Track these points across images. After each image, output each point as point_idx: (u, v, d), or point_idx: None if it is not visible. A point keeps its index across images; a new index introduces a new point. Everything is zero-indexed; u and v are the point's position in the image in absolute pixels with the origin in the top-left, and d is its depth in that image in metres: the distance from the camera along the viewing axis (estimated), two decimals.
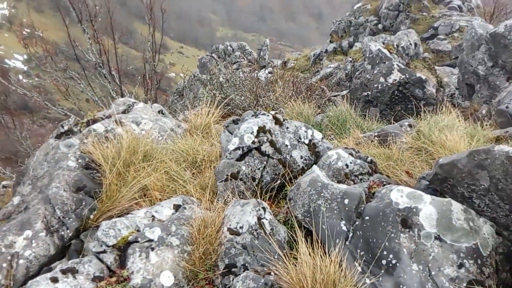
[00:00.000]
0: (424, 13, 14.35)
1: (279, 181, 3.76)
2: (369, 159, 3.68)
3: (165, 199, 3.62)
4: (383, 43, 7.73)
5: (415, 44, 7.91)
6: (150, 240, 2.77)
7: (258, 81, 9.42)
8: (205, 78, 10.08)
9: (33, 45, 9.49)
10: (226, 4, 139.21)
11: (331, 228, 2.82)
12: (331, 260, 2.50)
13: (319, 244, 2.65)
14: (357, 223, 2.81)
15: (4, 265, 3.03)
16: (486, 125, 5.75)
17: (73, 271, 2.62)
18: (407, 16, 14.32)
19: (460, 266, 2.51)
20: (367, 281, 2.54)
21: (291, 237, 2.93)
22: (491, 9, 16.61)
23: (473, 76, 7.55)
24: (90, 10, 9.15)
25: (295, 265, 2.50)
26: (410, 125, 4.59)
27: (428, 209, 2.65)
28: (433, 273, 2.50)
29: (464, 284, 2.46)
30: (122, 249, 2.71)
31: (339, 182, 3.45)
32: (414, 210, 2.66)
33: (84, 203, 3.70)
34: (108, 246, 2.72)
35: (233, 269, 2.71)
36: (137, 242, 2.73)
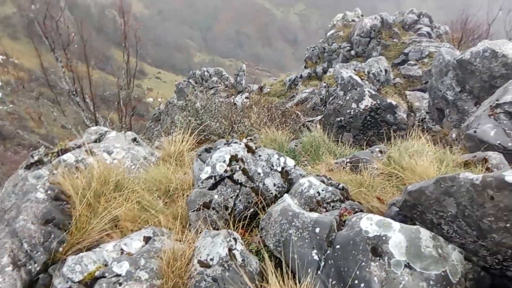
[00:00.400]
0: (394, 40, 14.76)
1: (252, 209, 3.74)
2: (340, 186, 3.70)
3: (137, 230, 3.56)
4: (355, 70, 7.90)
5: (385, 71, 8.10)
6: (118, 275, 2.70)
7: (233, 107, 9.48)
8: (181, 104, 10.09)
9: (5, 73, 9.39)
10: (202, 30, 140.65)
11: (302, 257, 2.81)
12: None
13: (290, 274, 2.63)
14: (328, 252, 2.80)
15: None
16: (456, 149, 5.88)
17: None
18: (379, 43, 14.71)
19: None
20: None
21: (262, 268, 2.90)
22: (459, 35, 17.21)
23: (443, 101, 7.75)
24: (63, 38, 9.12)
25: None
26: (380, 151, 4.66)
27: (397, 237, 2.67)
28: None
29: None
30: (89, 285, 2.64)
31: (311, 210, 3.45)
32: (384, 238, 2.67)
33: (52, 235, 3.60)
34: (74, 282, 2.65)
35: None
36: (104, 277, 2.67)
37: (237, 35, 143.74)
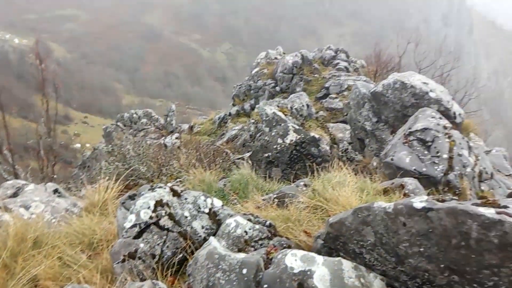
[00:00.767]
0: (315, 75, 15.47)
1: (181, 255, 3.67)
2: (268, 223, 3.74)
3: None
4: (278, 106, 8.16)
5: (307, 105, 8.44)
6: None
7: (163, 148, 9.36)
8: (107, 149, 9.83)
9: None
10: (129, 72, 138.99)
11: None
12: None
13: None
14: None
15: None
16: (378, 176, 6.17)
17: None
18: (301, 78, 15.32)
19: None
20: None
21: None
22: (374, 68, 18.37)
23: (362, 131, 8.17)
24: None
25: None
26: (305, 185, 4.79)
27: (321, 270, 2.72)
28: None
29: None
30: None
31: (239, 250, 3.45)
32: (308, 273, 2.72)
33: None
34: None
35: None
36: None
37: (166, 75, 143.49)
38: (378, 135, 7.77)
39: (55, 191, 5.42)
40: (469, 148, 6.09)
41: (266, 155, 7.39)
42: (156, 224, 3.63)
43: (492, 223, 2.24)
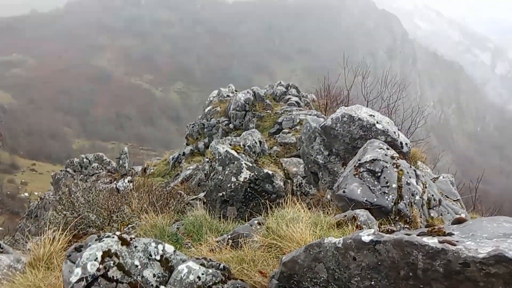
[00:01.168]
0: (268, 111, 15.69)
1: None
2: (221, 266, 3.66)
3: None
4: (230, 144, 8.17)
5: (260, 142, 8.50)
6: None
7: (114, 194, 9.10)
8: (54, 198, 9.43)
9: None
10: (79, 115, 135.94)
11: None
12: None
13: None
14: None
15: None
16: (332, 209, 6.22)
17: None
18: (254, 115, 15.49)
19: None
20: None
21: None
22: (325, 102, 18.84)
23: (315, 165, 8.28)
24: None
25: None
26: (259, 223, 4.75)
27: None
28: None
29: None
30: None
31: None
32: None
33: None
34: None
35: None
36: None
37: (117, 117, 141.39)
38: (330, 168, 7.89)
39: None
40: (417, 176, 6.28)
41: (221, 194, 7.33)
42: (104, 276, 3.47)
43: (436, 252, 2.28)
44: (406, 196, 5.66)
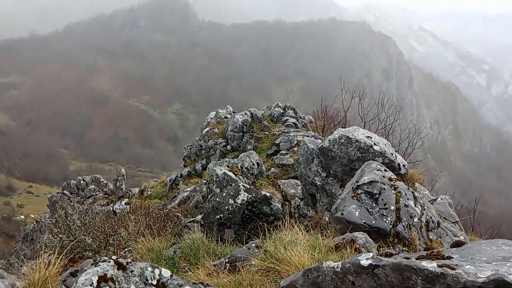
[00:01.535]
0: (265, 132, 15.72)
1: None
2: None
3: None
4: (228, 166, 8.16)
5: (257, 164, 8.50)
6: None
7: (110, 216, 9.04)
8: (50, 221, 9.36)
9: None
10: (76, 137, 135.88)
11: None
12: None
13: None
14: None
15: None
16: (330, 232, 6.18)
17: None
18: (251, 136, 15.51)
19: None
20: None
21: None
22: (322, 123, 18.92)
23: (313, 187, 8.26)
24: None
25: None
26: (257, 246, 4.71)
27: None
28: None
29: None
30: None
31: None
32: None
33: None
34: None
35: None
36: None
37: (115, 139, 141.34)
38: (328, 190, 7.87)
39: None
40: (415, 198, 6.26)
41: (218, 216, 7.28)
42: None
43: (435, 276, 2.26)
44: (405, 218, 5.63)
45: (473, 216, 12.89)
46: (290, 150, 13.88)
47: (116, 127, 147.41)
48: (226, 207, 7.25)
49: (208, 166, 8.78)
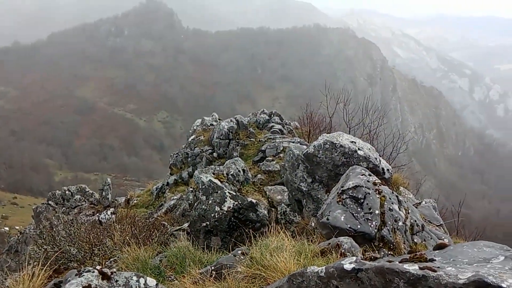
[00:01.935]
0: (251, 139, 15.76)
1: None
2: None
3: None
4: (214, 174, 8.15)
5: (243, 170, 8.50)
6: None
7: (96, 226, 8.95)
8: (34, 232, 9.23)
9: None
10: (61, 146, 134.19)
11: None
12: None
13: None
14: None
15: None
16: (316, 237, 6.20)
17: None
18: (238, 143, 15.53)
19: None
20: None
21: None
22: (307, 129, 19.00)
23: (299, 192, 8.29)
24: None
25: None
26: (243, 253, 4.71)
27: None
28: None
29: None
30: None
31: None
32: None
33: None
34: None
35: None
36: None
37: (101, 148, 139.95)
38: (314, 195, 7.91)
39: None
40: (399, 202, 6.33)
41: (204, 224, 7.25)
42: None
43: (417, 279, 2.29)
44: (389, 222, 5.68)
45: (457, 219, 13.03)
46: (276, 156, 13.92)
47: (101, 136, 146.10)
48: (212, 215, 7.23)
49: (194, 173, 8.75)
